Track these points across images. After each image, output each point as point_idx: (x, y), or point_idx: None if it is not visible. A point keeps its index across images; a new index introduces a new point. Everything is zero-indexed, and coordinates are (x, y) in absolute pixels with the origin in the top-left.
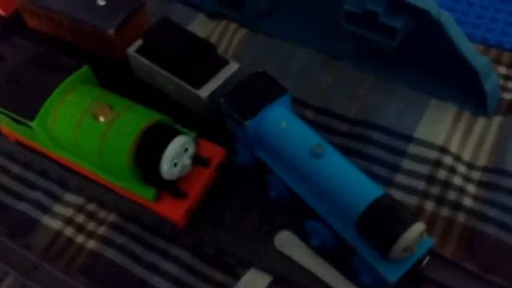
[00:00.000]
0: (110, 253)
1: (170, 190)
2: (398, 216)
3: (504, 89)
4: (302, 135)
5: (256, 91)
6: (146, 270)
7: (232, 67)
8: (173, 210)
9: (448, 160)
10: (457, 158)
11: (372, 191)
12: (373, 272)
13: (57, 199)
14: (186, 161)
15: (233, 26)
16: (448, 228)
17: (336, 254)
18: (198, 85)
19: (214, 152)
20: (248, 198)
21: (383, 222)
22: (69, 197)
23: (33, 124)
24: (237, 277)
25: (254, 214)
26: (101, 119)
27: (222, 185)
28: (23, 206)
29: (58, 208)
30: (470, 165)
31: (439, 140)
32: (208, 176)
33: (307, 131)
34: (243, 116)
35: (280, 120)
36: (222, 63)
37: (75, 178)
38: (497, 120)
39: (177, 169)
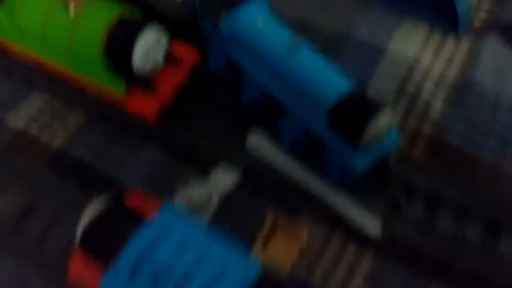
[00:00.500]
0: (78, 150)
1: (141, 84)
2: (368, 105)
3: (477, 9)
4: (279, 32)
5: None
6: (113, 166)
7: None
8: (145, 106)
9: (417, 75)
10: (427, 73)
11: (343, 85)
12: (342, 165)
13: (23, 97)
14: (159, 54)
15: None
16: (414, 137)
17: (307, 152)
18: None
19: (187, 53)
20: (220, 102)
21: (353, 110)
22: (35, 95)
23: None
24: (207, 173)
25: (226, 117)
26: (71, 9)
27: (194, 89)
28: None
29: (23, 106)
30: (439, 82)
31: (411, 53)
32: (181, 76)
33: (284, 28)
34: (218, 15)
35: (257, 18)
36: None
37: (43, 76)
38: (466, 40)
39: (150, 62)
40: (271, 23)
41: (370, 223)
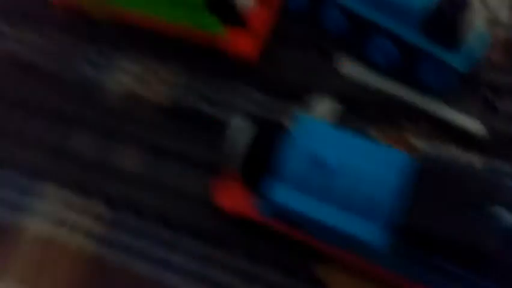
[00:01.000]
0: (188, 100)
1: (239, 22)
2: (460, 3)
3: None
4: None
5: None
6: (217, 108)
7: None
8: (247, 45)
9: None
10: None
11: None
12: (441, 70)
13: (114, 65)
14: None
15: None
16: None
17: (400, 68)
18: None
19: None
20: (306, 37)
21: (448, 9)
22: (126, 58)
23: None
24: (306, 104)
25: (313, 50)
26: None
27: (279, 29)
28: (81, 74)
29: (118, 75)
30: None
31: None
32: (272, 15)
33: None
34: None
35: None
36: None
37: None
38: None
39: None
40: None
41: (474, 124)
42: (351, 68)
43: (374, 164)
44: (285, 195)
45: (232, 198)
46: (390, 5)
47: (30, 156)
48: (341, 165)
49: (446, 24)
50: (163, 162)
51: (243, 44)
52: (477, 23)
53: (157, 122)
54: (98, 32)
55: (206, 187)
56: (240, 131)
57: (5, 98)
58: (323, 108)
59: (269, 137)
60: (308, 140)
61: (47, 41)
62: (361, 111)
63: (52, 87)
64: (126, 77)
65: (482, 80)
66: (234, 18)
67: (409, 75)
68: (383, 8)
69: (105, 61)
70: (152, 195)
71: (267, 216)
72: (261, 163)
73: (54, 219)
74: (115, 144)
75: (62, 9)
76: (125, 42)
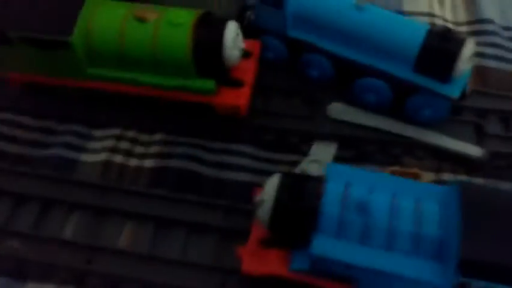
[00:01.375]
0: (175, 163)
1: (229, 80)
2: (452, 36)
3: None
4: None
5: None
6: (216, 169)
7: None
8: (237, 97)
9: (438, 21)
10: (444, 19)
11: (420, 26)
12: (433, 101)
13: (88, 137)
14: (240, 44)
15: None
16: None
17: (389, 106)
18: None
19: (251, 45)
20: (290, 86)
21: (442, 44)
22: (101, 132)
23: (72, 39)
24: (303, 153)
25: (298, 98)
26: (148, 19)
27: (261, 79)
28: (52, 152)
29: (94, 144)
30: (456, 23)
31: (424, 8)
32: (255, 67)
33: None
34: None
35: None
36: None
37: (102, 111)
38: None
39: (236, 52)
40: None
41: (472, 148)
42: (341, 111)
43: (415, 201)
44: (326, 246)
45: (262, 261)
46: (381, 47)
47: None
48: (382, 206)
49: (437, 58)
50: (165, 235)
51: (231, 99)
52: (469, 46)
53: (146, 190)
54: (66, 105)
55: (218, 254)
56: (272, 188)
57: None
58: (325, 153)
59: (301, 191)
60: (343, 186)
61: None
62: (359, 151)
63: (23, 172)
64: (104, 147)
65: (468, 106)
66: (224, 75)
67: (400, 109)
68: (373, 46)
69: (78, 138)
70: (158, 271)
71: (303, 273)
72: (298, 219)
73: None
74: (106, 222)
75: (18, 85)
76: (98, 112)
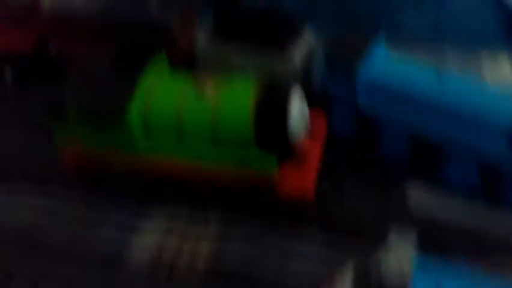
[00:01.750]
0: (232, 246)
1: (293, 156)
2: None
3: None
4: (418, 64)
5: (354, 45)
6: (281, 257)
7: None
8: (302, 179)
9: None
10: None
11: None
12: None
13: (135, 230)
14: (306, 115)
15: None
16: None
17: (479, 189)
18: (287, 55)
19: (317, 120)
20: (359, 166)
21: None
22: (149, 225)
23: (130, 115)
24: (379, 240)
25: (371, 179)
26: (207, 93)
27: (325, 158)
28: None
29: (141, 238)
30: None
31: None
32: (320, 146)
33: (419, 59)
34: (350, 67)
35: (390, 58)
36: (300, 29)
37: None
38: None
39: (302, 124)
40: (404, 58)
41: None
42: (424, 197)
43: None
44: None
45: None
46: (470, 121)
47: None
48: None
49: None
50: None
51: (297, 181)
52: None
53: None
54: (119, 189)
55: None
56: (345, 283)
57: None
58: (404, 242)
59: None
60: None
61: (55, 207)
62: (444, 241)
63: (66, 265)
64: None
65: None
66: (288, 152)
67: (493, 196)
68: (457, 121)
69: (128, 225)
70: None
71: None
72: None
73: None
74: None
75: (73, 166)
76: (151, 197)
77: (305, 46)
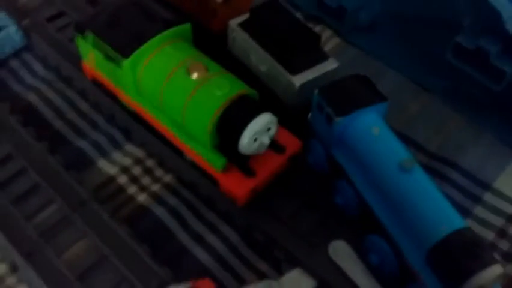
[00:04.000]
0: (160, 211)
1: (240, 165)
2: (477, 252)
3: None
4: (393, 146)
5: (353, 91)
6: (191, 239)
7: (331, 64)
8: (239, 186)
9: None
10: None
11: (455, 220)
12: None
13: (117, 146)
14: (266, 140)
15: (328, 32)
16: (510, 285)
17: (392, 277)
18: (294, 71)
19: (290, 142)
20: (311, 198)
21: (460, 253)
22: (130, 147)
23: (125, 62)
24: (280, 272)
25: (313, 216)
26: (195, 75)
27: (288, 178)
28: (82, 144)
29: (117, 155)
30: None
31: None
32: (280, 163)
33: (398, 143)
34: (336, 112)
35: (373, 126)
36: (322, 56)
37: (141, 131)
38: None
39: (255, 145)
40: (387, 134)
41: None
42: (339, 254)
43: None
44: None
45: None
46: (403, 216)
47: None
48: None
49: (449, 265)
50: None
51: (232, 184)
52: (488, 274)
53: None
54: (117, 110)
55: None
56: None
57: None
58: (297, 285)
59: None
60: None
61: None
62: None
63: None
64: (121, 163)
65: None
66: (236, 160)
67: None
68: (398, 213)
69: (109, 143)
70: None
71: None
72: None
73: None
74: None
75: (88, 75)
76: (139, 129)
77: (317, 71)
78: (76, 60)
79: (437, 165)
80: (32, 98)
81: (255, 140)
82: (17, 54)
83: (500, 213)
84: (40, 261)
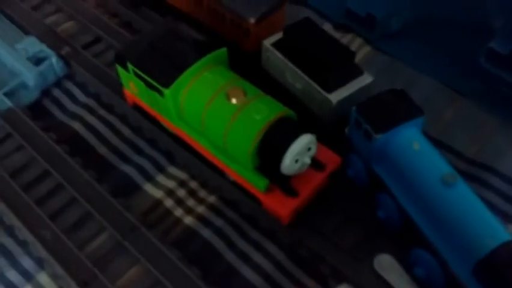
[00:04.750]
0: (206, 233)
1: (282, 186)
2: None
3: None
4: (435, 161)
5: (391, 107)
6: (238, 258)
7: (366, 79)
8: (282, 206)
9: None
10: None
11: (501, 233)
12: None
13: (161, 170)
14: (307, 160)
15: (358, 40)
16: None
17: None
18: (330, 89)
19: (330, 158)
20: (353, 213)
21: (507, 266)
22: (173, 170)
23: (166, 92)
24: (327, 287)
25: (357, 230)
26: (234, 100)
27: (330, 194)
28: (127, 169)
29: (161, 178)
30: None
31: None
32: (321, 181)
33: (439, 157)
34: (375, 129)
35: (413, 141)
36: (357, 72)
37: (183, 153)
38: None
39: (297, 166)
40: (428, 148)
41: None
42: (386, 268)
43: None
44: None
45: None
46: (450, 229)
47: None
48: None
49: (496, 279)
50: None
51: (279, 203)
52: None
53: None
54: (158, 135)
55: None
56: None
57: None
58: None
59: None
60: None
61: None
62: None
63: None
64: (166, 186)
65: None
66: (278, 180)
67: None
68: (442, 226)
69: (153, 167)
70: None
71: None
72: None
73: None
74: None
75: (130, 102)
76: (181, 152)
77: (352, 87)
78: (115, 85)
79: (476, 171)
80: (77, 126)
81: (297, 161)
82: (58, 82)
83: None
84: None
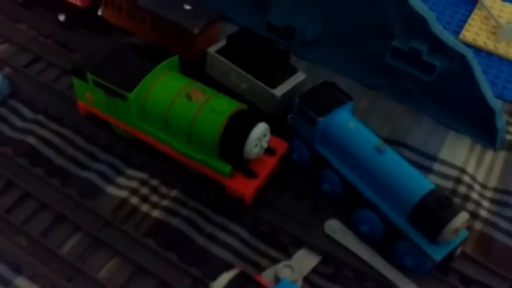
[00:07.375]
0: (175, 222)
1: (244, 169)
2: (447, 204)
3: (506, 131)
4: (367, 135)
5: (326, 96)
6: (208, 240)
7: (300, 76)
8: (245, 186)
9: (466, 179)
10: (473, 178)
11: (426, 184)
12: (418, 254)
13: (120, 173)
14: (264, 144)
15: None
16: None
17: (381, 241)
18: (274, 85)
19: (279, 144)
20: (302, 189)
21: (435, 208)
22: (132, 172)
23: (130, 96)
24: (289, 254)
25: (306, 203)
26: (195, 99)
27: (280, 175)
28: (87, 174)
29: (122, 180)
30: (484, 185)
31: (458, 162)
32: (274, 164)
33: (370, 132)
34: (317, 114)
35: (348, 121)
36: (293, 70)
37: (140, 155)
38: (502, 153)
39: (257, 150)
40: (360, 126)
41: None
42: (336, 230)
43: None
44: None
45: None
46: (385, 189)
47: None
48: None
49: (428, 219)
50: (139, 281)
51: (240, 185)
52: (459, 220)
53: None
54: (114, 139)
55: None
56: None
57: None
58: (306, 262)
59: None
60: None
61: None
62: (336, 272)
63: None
64: (128, 186)
65: (453, 269)
66: (240, 165)
67: (388, 250)
68: (379, 186)
69: (112, 170)
70: None
71: None
72: None
73: None
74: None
75: (84, 113)
76: (137, 154)
77: (291, 83)
78: (62, 99)
79: (392, 147)
80: (32, 140)
81: (256, 145)
82: (3, 101)
83: (449, 178)
84: (82, 282)
